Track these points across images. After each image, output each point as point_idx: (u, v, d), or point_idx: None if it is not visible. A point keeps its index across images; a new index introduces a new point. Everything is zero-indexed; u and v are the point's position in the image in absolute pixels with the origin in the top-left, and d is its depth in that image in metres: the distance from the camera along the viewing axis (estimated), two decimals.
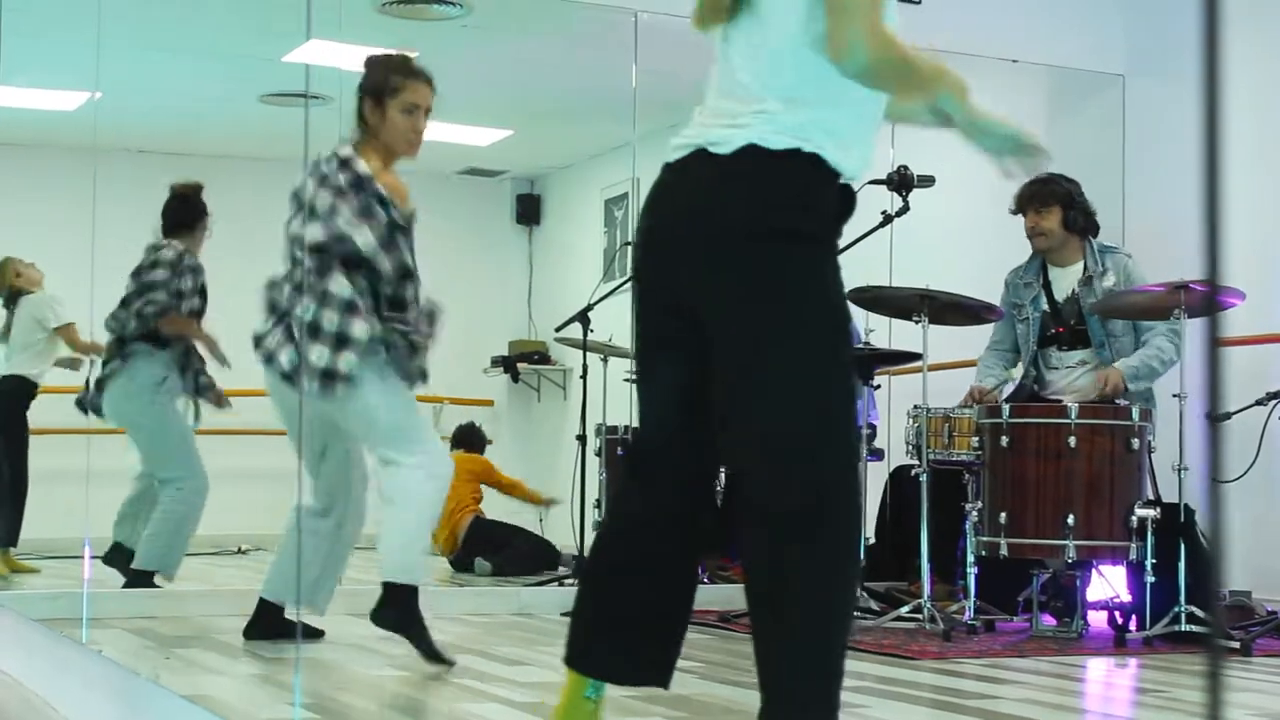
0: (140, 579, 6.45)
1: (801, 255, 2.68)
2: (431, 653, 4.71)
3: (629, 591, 2.88)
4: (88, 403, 6.56)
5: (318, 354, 4.68)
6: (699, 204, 2.74)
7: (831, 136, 2.71)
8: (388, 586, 4.79)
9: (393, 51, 5.06)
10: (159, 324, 6.53)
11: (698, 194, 2.75)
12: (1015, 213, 6.42)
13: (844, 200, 2.75)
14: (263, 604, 5.30)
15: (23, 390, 7.83)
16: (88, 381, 6.67)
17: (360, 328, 4.71)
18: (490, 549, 8.43)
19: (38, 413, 8.01)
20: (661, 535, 2.87)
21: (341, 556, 5.22)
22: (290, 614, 5.29)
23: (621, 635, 2.89)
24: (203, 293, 6.72)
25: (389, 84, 4.92)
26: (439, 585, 7.48)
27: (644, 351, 2.93)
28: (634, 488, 2.93)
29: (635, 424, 2.98)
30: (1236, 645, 5.44)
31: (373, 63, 5.02)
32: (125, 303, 6.57)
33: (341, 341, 4.70)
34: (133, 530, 6.64)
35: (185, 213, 6.77)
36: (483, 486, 8.90)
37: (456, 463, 8.79)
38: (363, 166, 4.89)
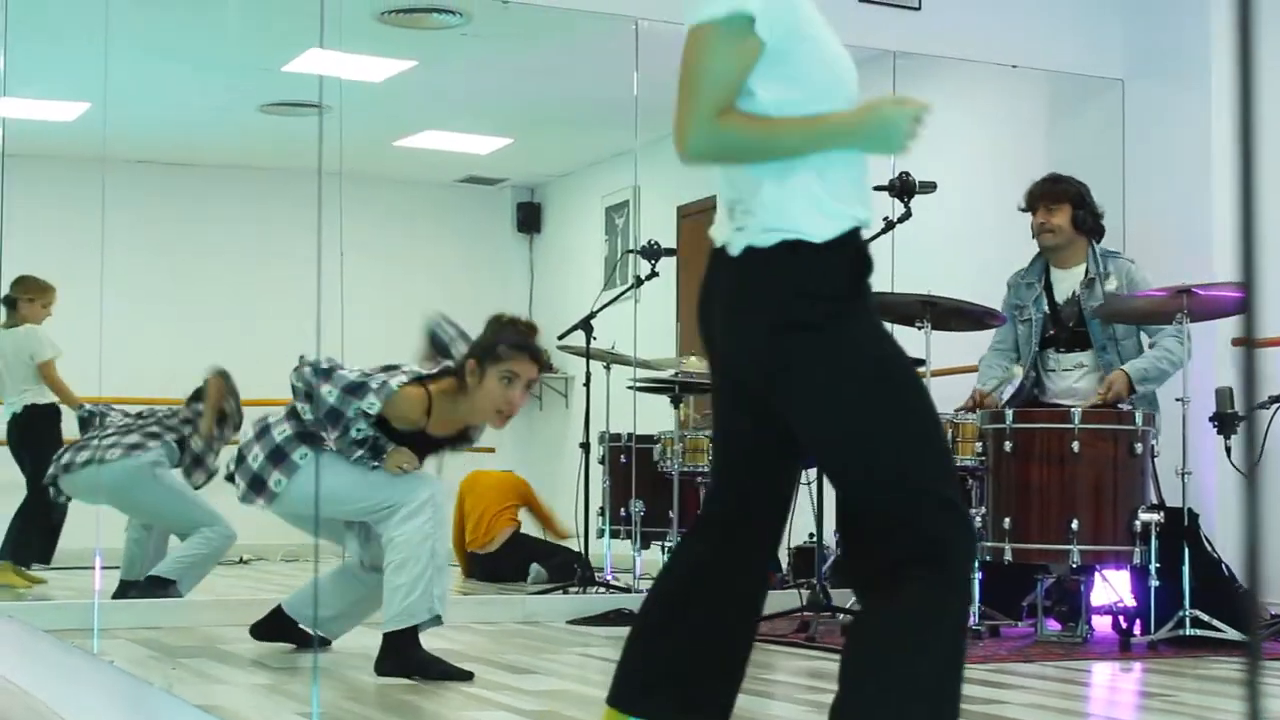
0: (156, 584, 6.49)
1: (820, 336, 2.73)
2: (444, 675, 4.72)
3: (689, 640, 2.88)
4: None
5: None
6: (725, 304, 2.83)
7: (812, 207, 2.73)
8: (385, 637, 4.84)
9: (519, 318, 5.06)
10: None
11: (722, 295, 2.83)
12: (1025, 210, 6.44)
13: (858, 257, 2.78)
14: (280, 612, 5.30)
15: (49, 415, 7.84)
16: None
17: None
18: (540, 559, 8.45)
19: None
20: (724, 584, 2.89)
21: (375, 606, 5.22)
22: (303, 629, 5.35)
23: (681, 682, 2.88)
24: None
25: (496, 351, 4.88)
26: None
27: (717, 410, 2.99)
28: (700, 537, 2.94)
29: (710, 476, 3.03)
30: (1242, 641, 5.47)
31: (493, 322, 4.99)
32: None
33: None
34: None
35: None
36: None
37: (501, 477, 8.86)
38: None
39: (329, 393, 4.83)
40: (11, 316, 7.83)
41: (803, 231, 2.72)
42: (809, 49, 2.76)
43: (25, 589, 7.38)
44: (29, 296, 7.82)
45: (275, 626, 5.32)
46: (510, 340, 4.88)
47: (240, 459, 5.09)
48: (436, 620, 4.85)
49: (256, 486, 4.99)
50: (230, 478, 5.12)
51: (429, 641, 4.88)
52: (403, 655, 4.79)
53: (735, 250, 2.77)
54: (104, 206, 6.15)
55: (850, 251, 2.76)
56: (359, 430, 4.86)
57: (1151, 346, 6.23)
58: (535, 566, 8.33)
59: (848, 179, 2.77)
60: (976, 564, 5.77)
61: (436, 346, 5.19)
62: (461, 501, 8.77)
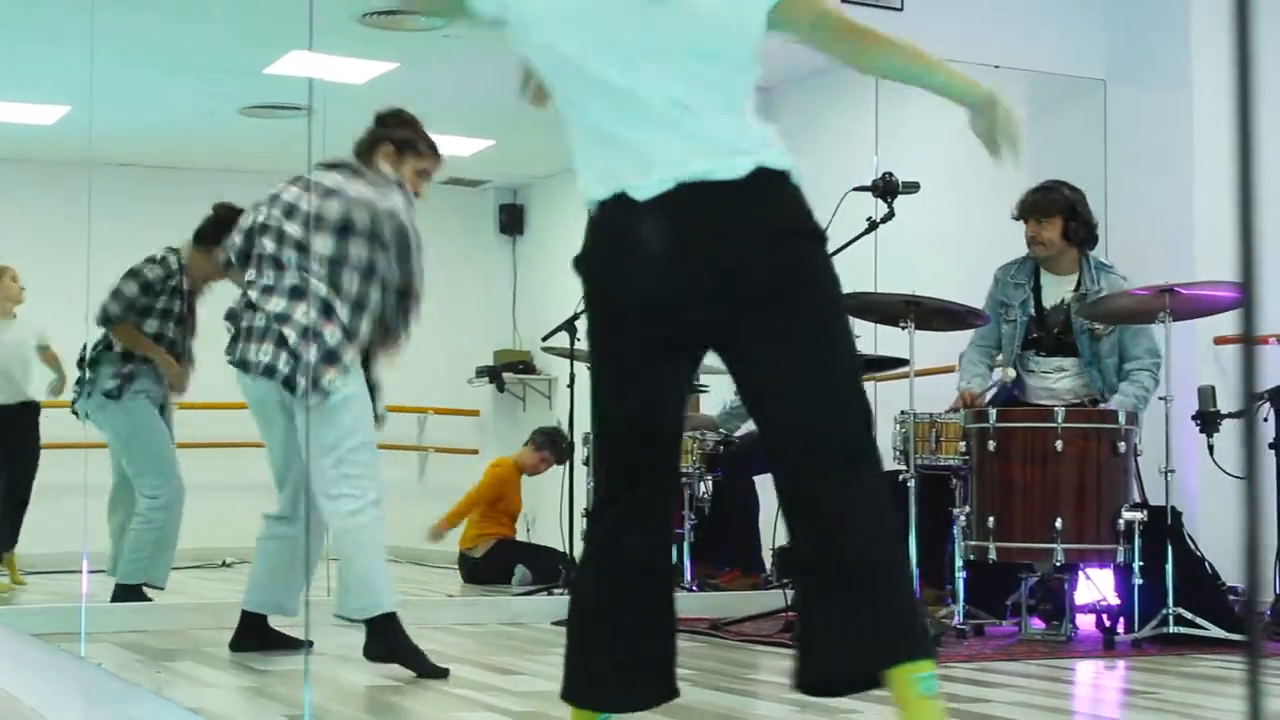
0: (129, 593, 6.45)
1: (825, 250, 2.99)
2: (427, 671, 4.74)
3: (614, 620, 2.95)
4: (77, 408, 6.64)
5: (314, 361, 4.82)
6: (728, 220, 2.90)
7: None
8: (368, 624, 4.86)
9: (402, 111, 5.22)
10: (113, 330, 6.53)
11: (720, 215, 2.89)
12: (1017, 218, 6.42)
13: None
14: (245, 616, 5.31)
15: (32, 411, 7.84)
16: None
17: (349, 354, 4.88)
18: (524, 560, 8.44)
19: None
20: (630, 559, 2.96)
21: (310, 561, 5.26)
22: (273, 623, 5.34)
23: (620, 665, 2.95)
24: (189, 309, 6.70)
25: (412, 144, 5.15)
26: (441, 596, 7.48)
27: (615, 382, 3.01)
28: (602, 520, 3.01)
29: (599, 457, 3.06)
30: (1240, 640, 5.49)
31: (393, 113, 5.22)
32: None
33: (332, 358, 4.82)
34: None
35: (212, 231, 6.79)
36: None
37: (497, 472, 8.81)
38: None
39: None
40: None
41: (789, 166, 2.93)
42: None
43: (17, 586, 7.37)
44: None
45: (250, 634, 5.30)
46: (426, 142, 5.16)
47: (282, 340, 4.96)
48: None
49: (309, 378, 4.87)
50: (270, 370, 4.94)
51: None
52: (391, 639, 4.82)
53: (739, 172, 2.85)
54: (90, 210, 6.14)
55: None
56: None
57: (1126, 376, 6.24)
58: (520, 568, 8.33)
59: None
60: (961, 563, 5.79)
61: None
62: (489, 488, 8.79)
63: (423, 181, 5.15)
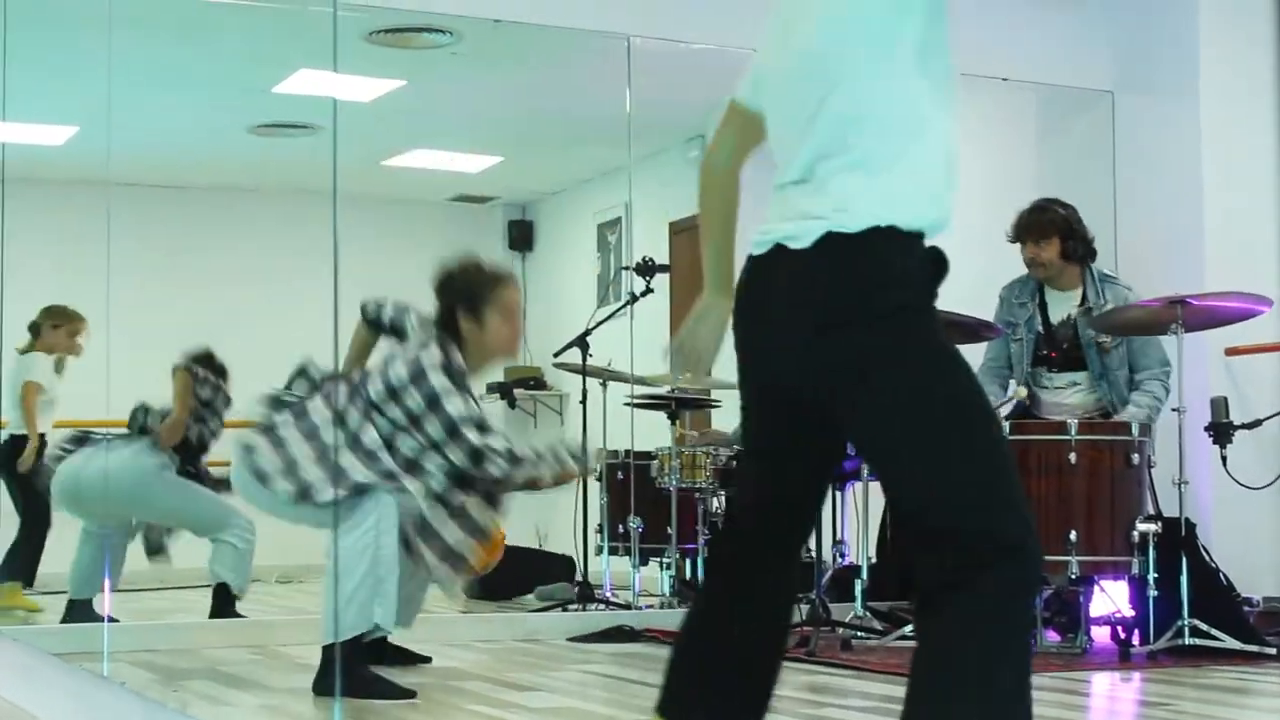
0: (227, 599, 6.63)
1: (897, 326, 2.70)
2: (383, 694, 4.65)
3: (726, 651, 2.89)
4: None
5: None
6: (794, 299, 2.77)
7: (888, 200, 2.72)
8: (322, 650, 4.80)
9: (470, 262, 5.16)
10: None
11: (790, 290, 2.78)
12: (1012, 241, 6.43)
13: (935, 263, 2.78)
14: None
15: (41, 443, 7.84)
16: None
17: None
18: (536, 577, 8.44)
19: None
20: (756, 600, 2.89)
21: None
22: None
23: (720, 692, 2.90)
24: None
25: (484, 292, 5.03)
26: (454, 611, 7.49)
27: (755, 431, 2.94)
28: (730, 553, 2.94)
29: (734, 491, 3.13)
30: (1273, 651, 5.49)
31: (456, 270, 5.12)
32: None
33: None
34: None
35: None
36: None
37: None
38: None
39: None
40: (32, 343, 7.80)
41: (895, 219, 2.70)
42: None
43: (34, 611, 7.37)
44: (54, 323, 7.76)
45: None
46: (488, 277, 5.04)
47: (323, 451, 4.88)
48: (376, 629, 4.81)
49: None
50: (302, 492, 4.81)
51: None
52: (331, 670, 4.69)
53: (807, 241, 2.72)
54: (109, 230, 6.16)
55: (924, 249, 2.76)
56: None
57: (1137, 387, 6.24)
58: (541, 589, 8.32)
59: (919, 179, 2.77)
60: None
61: (390, 328, 5.14)
62: None
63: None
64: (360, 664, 4.75)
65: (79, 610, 6.56)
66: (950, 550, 2.62)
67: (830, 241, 2.69)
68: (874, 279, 2.69)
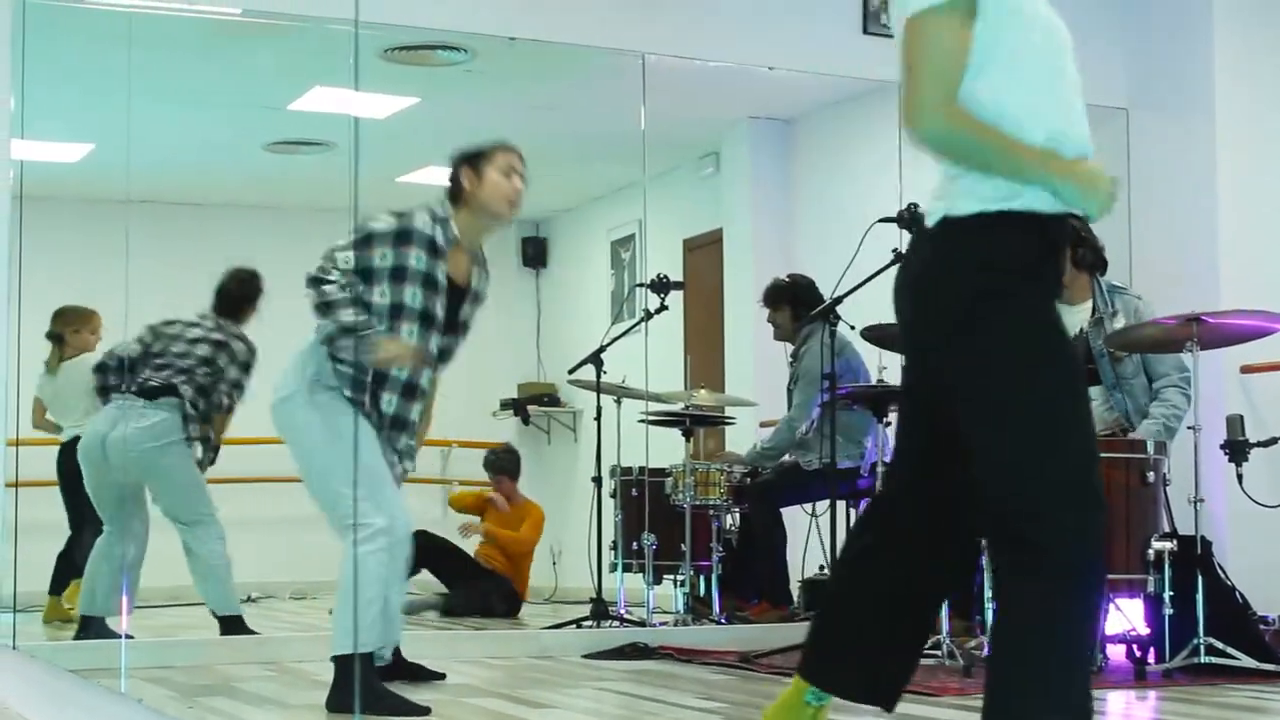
0: (235, 625, 6.59)
1: (990, 309, 2.92)
2: (399, 710, 4.66)
3: (873, 615, 3.11)
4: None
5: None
6: (908, 281, 3.03)
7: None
8: (336, 660, 4.80)
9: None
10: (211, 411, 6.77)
11: (909, 270, 3.04)
12: None
13: (1045, 235, 2.99)
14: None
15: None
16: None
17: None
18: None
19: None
20: (906, 565, 3.10)
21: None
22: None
23: (862, 657, 3.13)
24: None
25: (483, 152, 5.14)
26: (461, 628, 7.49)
27: (902, 404, 3.26)
28: (878, 519, 3.17)
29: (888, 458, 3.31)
30: None
31: (463, 150, 5.21)
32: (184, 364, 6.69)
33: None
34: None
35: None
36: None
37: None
38: (454, 231, 5.03)
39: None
40: (62, 350, 7.80)
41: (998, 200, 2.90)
42: (1022, 36, 2.95)
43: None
44: (74, 328, 7.79)
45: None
46: (494, 143, 5.17)
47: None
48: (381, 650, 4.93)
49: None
50: None
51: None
52: (343, 682, 4.70)
53: (930, 221, 2.95)
54: (128, 247, 6.18)
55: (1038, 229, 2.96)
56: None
57: (1155, 396, 6.23)
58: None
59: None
60: (990, 594, 5.77)
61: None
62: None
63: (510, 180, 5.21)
64: (374, 679, 4.76)
65: (94, 627, 6.55)
66: (1008, 536, 2.83)
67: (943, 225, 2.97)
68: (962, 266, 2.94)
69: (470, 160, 5.12)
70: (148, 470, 6.72)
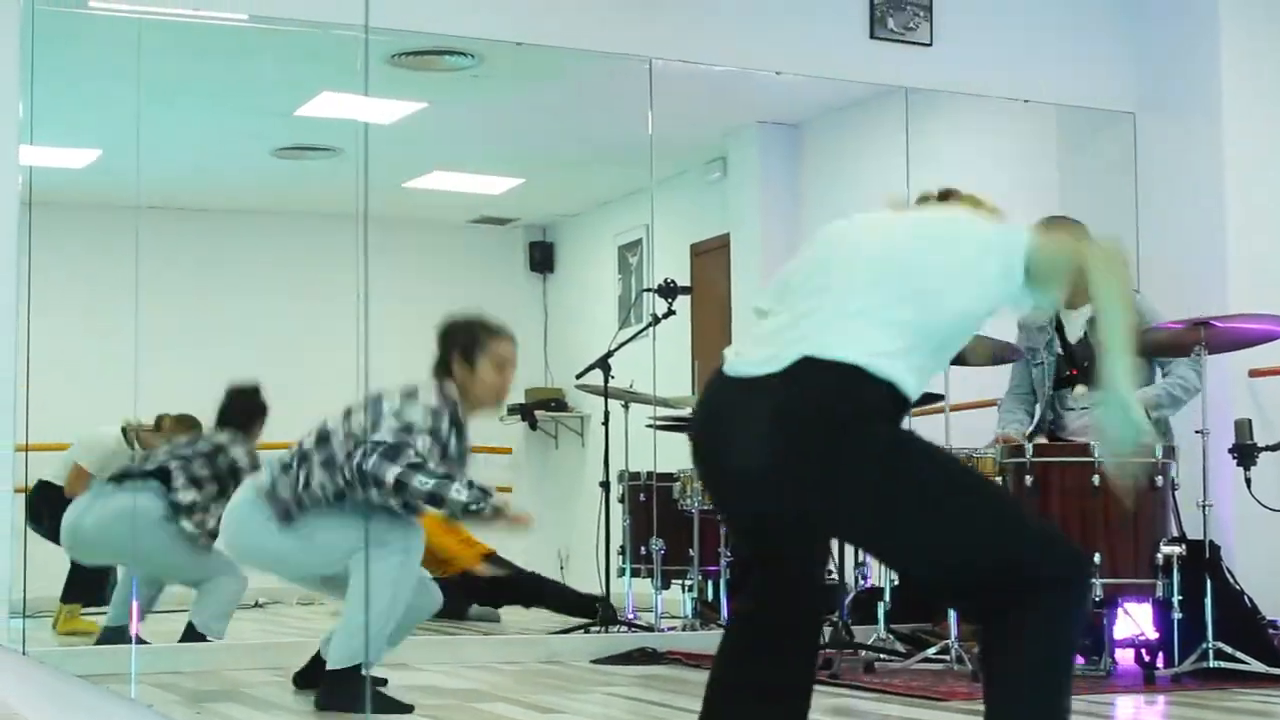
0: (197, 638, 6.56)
1: (870, 428, 2.89)
2: (386, 708, 4.75)
3: (756, 678, 3.03)
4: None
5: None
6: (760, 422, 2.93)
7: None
8: (329, 674, 4.89)
9: (473, 315, 5.24)
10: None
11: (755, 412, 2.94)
12: None
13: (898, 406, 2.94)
14: (320, 658, 5.27)
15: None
16: None
17: None
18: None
19: None
20: (780, 630, 3.04)
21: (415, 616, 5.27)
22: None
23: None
24: None
25: (479, 339, 5.13)
26: (466, 633, 7.49)
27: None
28: (747, 594, 3.11)
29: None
30: None
31: (459, 319, 5.22)
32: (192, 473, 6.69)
33: None
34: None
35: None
36: None
37: None
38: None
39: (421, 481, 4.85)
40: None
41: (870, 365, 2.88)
42: None
43: (93, 632, 7.38)
44: (155, 428, 7.78)
45: (318, 673, 5.27)
46: (489, 328, 5.16)
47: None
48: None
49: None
50: None
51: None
52: (343, 693, 4.81)
53: (781, 364, 2.90)
54: (138, 253, 6.19)
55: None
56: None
57: (1165, 375, 6.23)
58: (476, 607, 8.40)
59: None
60: None
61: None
62: None
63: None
64: (361, 683, 4.85)
65: (111, 635, 6.54)
66: (987, 591, 2.85)
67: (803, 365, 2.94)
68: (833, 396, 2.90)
69: (464, 349, 5.11)
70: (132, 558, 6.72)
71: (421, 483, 4.79)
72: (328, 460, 4.95)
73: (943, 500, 2.85)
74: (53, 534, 7.23)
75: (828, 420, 2.83)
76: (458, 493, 4.81)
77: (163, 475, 6.63)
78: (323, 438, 5.01)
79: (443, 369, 5.12)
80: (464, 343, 5.12)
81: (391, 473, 4.79)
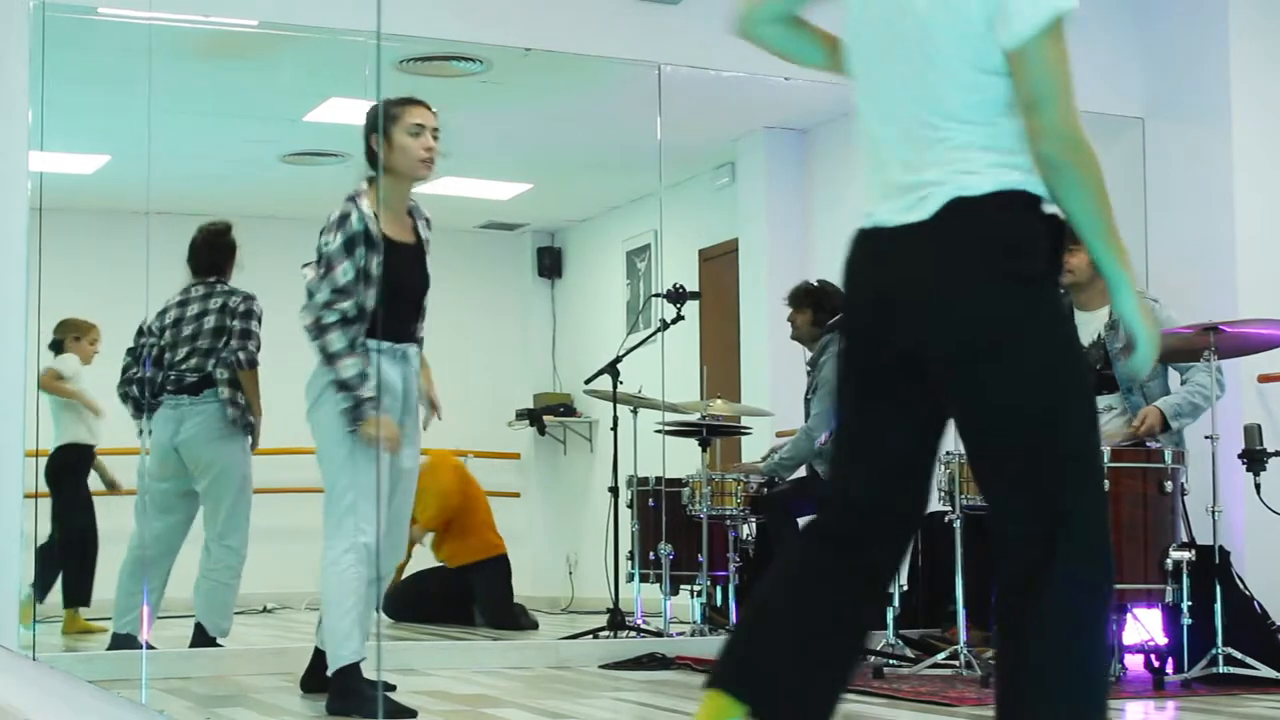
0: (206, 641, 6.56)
1: (1025, 297, 2.69)
2: (393, 713, 4.75)
3: (803, 636, 2.79)
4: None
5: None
6: (922, 269, 2.74)
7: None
8: (334, 675, 4.91)
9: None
10: (247, 374, 6.66)
11: (902, 271, 2.77)
12: None
13: (1054, 225, 2.73)
14: (318, 654, 5.28)
15: (76, 456, 7.83)
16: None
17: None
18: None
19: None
20: (847, 590, 2.82)
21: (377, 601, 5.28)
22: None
23: (789, 676, 2.77)
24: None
25: (390, 114, 5.08)
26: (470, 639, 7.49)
27: (856, 407, 2.89)
28: (829, 542, 2.84)
29: (838, 477, 2.89)
30: None
31: (371, 109, 5.23)
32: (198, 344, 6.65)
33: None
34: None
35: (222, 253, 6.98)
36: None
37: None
38: (372, 210, 5.04)
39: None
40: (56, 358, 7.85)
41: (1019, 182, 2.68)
42: None
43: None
44: (75, 335, 7.84)
45: (320, 670, 5.27)
46: (399, 100, 5.12)
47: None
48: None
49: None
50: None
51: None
52: (354, 691, 4.83)
53: (930, 210, 2.69)
54: (149, 258, 6.20)
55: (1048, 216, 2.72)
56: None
57: (1183, 384, 6.22)
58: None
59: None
60: None
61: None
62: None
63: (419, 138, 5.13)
64: (366, 685, 4.88)
65: (122, 641, 6.55)
66: (1027, 544, 2.68)
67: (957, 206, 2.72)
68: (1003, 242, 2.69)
69: (378, 128, 5.09)
70: (209, 467, 6.66)
71: (330, 343, 4.92)
72: None
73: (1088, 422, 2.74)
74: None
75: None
76: (345, 370, 4.89)
77: (208, 380, 6.64)
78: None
79: (368, 157, 5.15)
80: (375, 121, 5.11)
81: (309, 318, 4.96)
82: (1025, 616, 2.66)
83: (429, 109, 5.16)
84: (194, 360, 6.68)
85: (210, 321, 6.75)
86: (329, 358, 4.93)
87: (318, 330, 4.95)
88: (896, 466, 2.83)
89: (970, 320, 2.68)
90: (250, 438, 6.64)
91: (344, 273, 4.94)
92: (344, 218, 4.99)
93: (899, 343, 2.77)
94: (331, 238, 4.99)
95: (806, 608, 2.80)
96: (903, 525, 2.88)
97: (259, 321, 6.79)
